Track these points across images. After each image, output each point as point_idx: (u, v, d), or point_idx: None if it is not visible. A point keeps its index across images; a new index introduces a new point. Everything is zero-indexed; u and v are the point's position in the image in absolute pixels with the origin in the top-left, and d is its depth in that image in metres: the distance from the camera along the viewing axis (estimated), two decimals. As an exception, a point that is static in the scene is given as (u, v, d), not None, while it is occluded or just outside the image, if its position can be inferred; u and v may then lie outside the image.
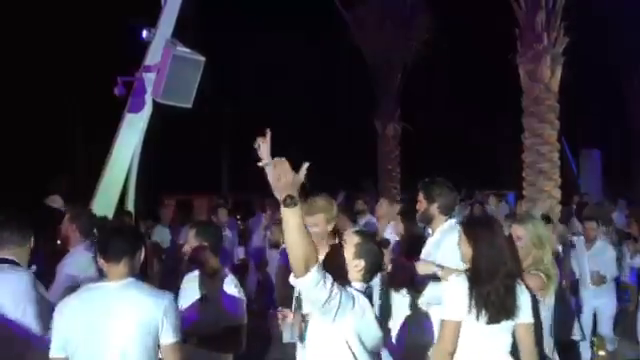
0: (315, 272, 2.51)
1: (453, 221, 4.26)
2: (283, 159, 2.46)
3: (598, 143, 17.14)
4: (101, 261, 2.91)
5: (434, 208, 4.20)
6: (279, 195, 2.45)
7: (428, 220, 4.26)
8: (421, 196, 4.25)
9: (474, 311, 3.11)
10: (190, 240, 3.82)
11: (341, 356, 2.73)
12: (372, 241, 2.98)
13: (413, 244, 5.18)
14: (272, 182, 2.47)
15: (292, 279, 2.59)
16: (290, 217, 2.44)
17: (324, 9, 16.01)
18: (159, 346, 2.82)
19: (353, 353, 2.73)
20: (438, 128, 20.26)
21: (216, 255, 3.78)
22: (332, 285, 2.59)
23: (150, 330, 2.77)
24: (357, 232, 3.00)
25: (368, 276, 2.91)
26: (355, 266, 2.87)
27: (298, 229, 2.45)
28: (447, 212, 4.24)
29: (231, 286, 3.66)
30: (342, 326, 2.71)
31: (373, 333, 2.83)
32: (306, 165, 2.53)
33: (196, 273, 3.80)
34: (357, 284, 2.88)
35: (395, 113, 16.33)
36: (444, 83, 19.47)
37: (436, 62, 16.36)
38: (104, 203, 7.20)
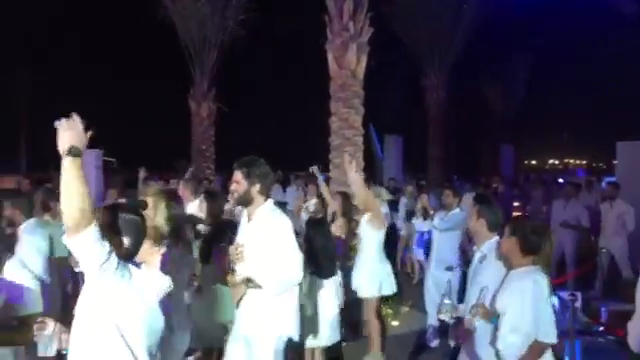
0: (94, 227, 2.36)
1: (271, 202, 4.16)
2: (76, 119, 2.40)
3: (401, 130, 18.44)
4: None
5: (255, 190, 4.01)
6: (63, 144, 2.36)
7: (247, 202, 4.04)
8: (239, 176, 4.00)
9: None
10: None
11: (106, 336, 2.53)
12: (131, 212, 2.77)
13: (220, 227, 5.13)
14: (59, 133, 2.37)
15: (65, 239, 2.37)
16: (73, 167, 2.36)
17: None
18: None
19: (122, 336, 2.53)
20: (253, 109, 20.41)
21: None
22: (110, 248, 2.43)
23: None
24: (108, 208, 2.77)
25: (136, 250, 2.71)
26: (121, 245, 2.65)
27: (80, 178, 2.36)
28: (266, 194, 4.08)
29: (14, 270, 3.19)
30: (111, 303, 2.52)
31: (150, 321, 2.62)
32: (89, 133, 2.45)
33: None
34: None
35: (210, 92, 16.11)
36: (260, 64, 19.61)
37: (252, 43, 16.37)
38: None
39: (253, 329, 3.98)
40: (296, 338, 4.16)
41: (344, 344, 5.95)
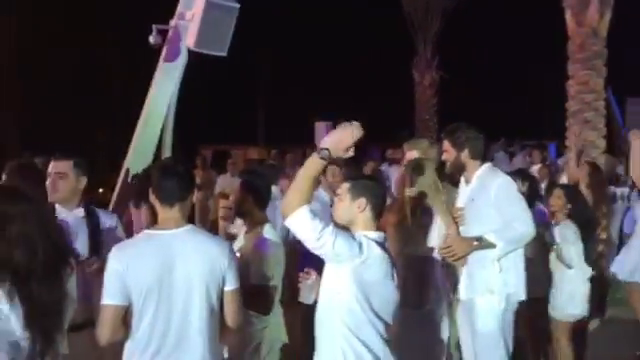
0: (305, 209, 2.59)
1: (489, 164, 4.12)
2: (360, 128, 2.63)
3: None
4: (157, 203, 2.68)
5: (464, 155, 3.99)
6: (324, 142, 2.62)
7: (460, 168, 4.04)
8: (447, 145, 4.02)
9: None
10: (236, 190, 3.58)
11: (343, 304, 2.65)
12: (366, 178, 2.98)
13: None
14: (333, 134, 2.63)
15: (286, 221, 2.65)
16: (311, 164, 2.63)
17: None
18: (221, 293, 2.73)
19: (360, 306, 2.63)
20: (477, 76, 19.78)
21: (261, 208, 3.53)
22: (325, 226, 2.59)
23: (217, 277, 2.67)
24: (346, 179, 2.94)
25: (376, 214, 2.80)
26: (358, 207, 2.76)
27: (309, 177, 2.63)
28: (479, 157, 4.03)
29: (268, 232, 3.39)
30: (343, 273, 2.64)
31: (382, 292, 2.69)
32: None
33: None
34: (371, 233, 2.76)
35: (433, 61, 15.99)
36: (484, 30, 18.88)
37: (475, 8, 15.81)
38: (141, 155, 7.18)
39: (477, 291, 3.90)
40: (522, 297, 3.98)
41: (592, 322, 5.54)
